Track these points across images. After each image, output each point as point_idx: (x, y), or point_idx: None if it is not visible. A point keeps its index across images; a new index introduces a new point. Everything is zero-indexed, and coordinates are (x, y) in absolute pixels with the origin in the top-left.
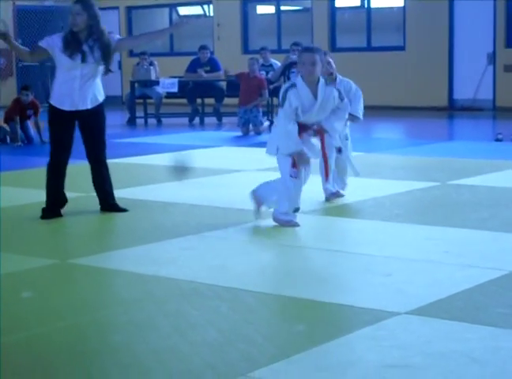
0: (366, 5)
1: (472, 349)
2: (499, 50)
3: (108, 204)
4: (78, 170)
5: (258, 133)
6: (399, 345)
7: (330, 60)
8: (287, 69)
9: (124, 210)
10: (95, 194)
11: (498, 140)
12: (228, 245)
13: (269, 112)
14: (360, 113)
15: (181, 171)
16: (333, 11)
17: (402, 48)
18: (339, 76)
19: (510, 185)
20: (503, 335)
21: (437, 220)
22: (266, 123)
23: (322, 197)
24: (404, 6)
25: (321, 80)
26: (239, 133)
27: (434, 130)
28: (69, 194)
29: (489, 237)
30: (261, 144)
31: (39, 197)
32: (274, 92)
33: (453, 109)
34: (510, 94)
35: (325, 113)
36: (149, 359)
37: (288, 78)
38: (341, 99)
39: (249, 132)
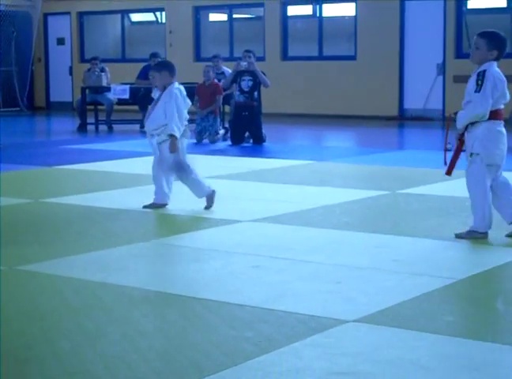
0: (318, 14)
1: (419, 356)
2: (449, 61)
3: None
4: (27, 177)
5: (213, 142)
6: (347, 353)
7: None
8: (238, 76)
9: None
10: (43, 200)
11: (447, 149)
12: (178, 252)
13: (222, 120)
14: (175, 129)
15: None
16: (285, 19)
17: (353, 57)
18: (175, 84)
19: (459, 194)
20: (450, 342)
21: (386, 229)
22: (221, 131)
23: (273, 204)
24: (355, 16)
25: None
26: (191, 140)
27: (384, 139)
28: (18, 200)
29: (438, 245)
30: (213, 152)
31: None
32: (225, 100)
33: (403, 118)
34: (459, 104)
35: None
36: (97, 366)
37: (240, 85)
38: (475, 90)
39: (203, 139)
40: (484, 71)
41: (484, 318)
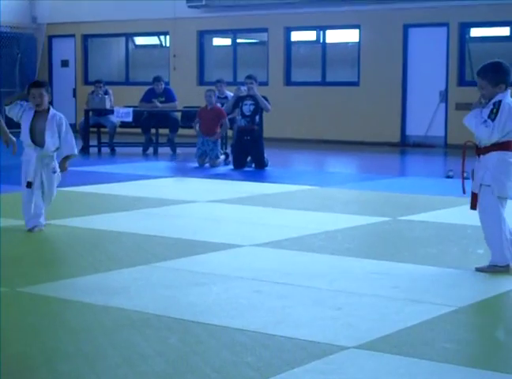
0: (321, 40)
1: None
2: (451, 89)
3: None
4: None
5: (213, 166)
6: None
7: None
8: (240, 100)
9: None
10: (46, 222)
11: (448, 177)
12: (179, 276)
13: (224, 144)
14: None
15: None
16: (288, 45)
17: (356, 83)
18: (52, 110)
19: (460, 221)
20: (450, 370)
21: (387, 255)
22: (222, 157)
23: (274, 229)
24: (358, 42)
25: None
26: (194, 164)
27: (386, 166)
28: (17, 222)
29: (438, 273)
30: (215, 176)
31: None
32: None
33: (405, 145)
34: (461, 132)
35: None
36: None
37: (242, 110)
38: (490, 118)
39: (204, 163)
40: (500, 101)
41: (485, 346)
